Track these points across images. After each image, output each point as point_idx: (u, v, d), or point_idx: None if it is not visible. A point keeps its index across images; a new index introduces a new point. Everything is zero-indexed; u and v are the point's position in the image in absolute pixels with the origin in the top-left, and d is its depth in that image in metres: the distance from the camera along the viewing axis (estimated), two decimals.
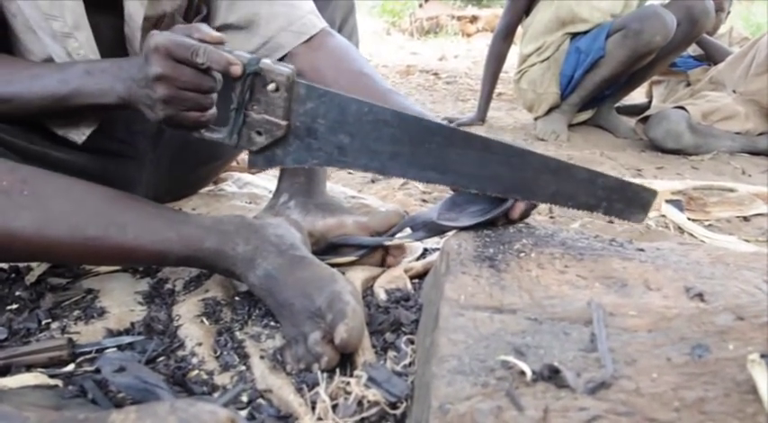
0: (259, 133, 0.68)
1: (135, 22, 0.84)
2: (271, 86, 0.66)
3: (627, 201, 0.69)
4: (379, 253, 0.81)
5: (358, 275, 0.77)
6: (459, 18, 10.39)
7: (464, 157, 0.68)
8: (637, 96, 2.36)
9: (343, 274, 0.79)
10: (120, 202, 0.70)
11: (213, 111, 0.67)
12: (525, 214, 0.72)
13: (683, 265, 0.61)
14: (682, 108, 1.69)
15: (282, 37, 0.88)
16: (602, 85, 1.79)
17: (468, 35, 9.83)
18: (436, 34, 10.48)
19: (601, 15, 1.78)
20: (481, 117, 2.09)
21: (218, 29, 0.92)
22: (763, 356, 0.45)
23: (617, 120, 1.95)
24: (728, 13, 2.26)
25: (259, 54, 0.90)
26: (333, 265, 0.81)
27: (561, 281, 0.56)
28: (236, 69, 0.63)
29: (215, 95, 0.66)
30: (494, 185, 0.68)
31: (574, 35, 1.83)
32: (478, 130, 2.02)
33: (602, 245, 0.68)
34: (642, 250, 0.69)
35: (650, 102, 2.23)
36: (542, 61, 1.88)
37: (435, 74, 4.41)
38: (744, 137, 1.68)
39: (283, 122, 0.67)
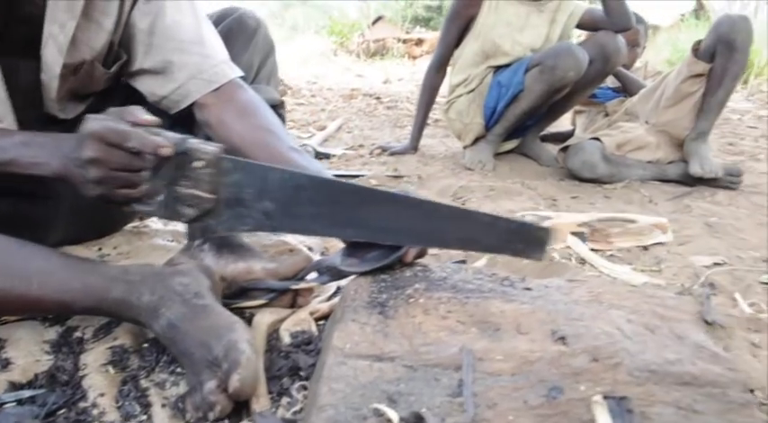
0: (189, 206, 0.72)
1: (52, 70, 0.85)
2: (198, 164, 0.70)
3: (526, 241, 0.74)
4: (288, 295, 0.84)
5: (265, 319, 0.79)
6: (404, 41, 10.61)
7: (376, 212, 0.73)
8: (564, 123, 2.49)
9: (252, 316, 0.82)
10: (26, 253, 0.71)
11: (144, 187, 0.71)
12: (419, 256, 0.77)
13: (559, 305, 0.67)
14: (597, 139, 1.79)
15: (192, 84, 0.91)
16: (523, 117, 1.88)
17: (414, 58, 10.06)
18: (382, 56, 10.65)
19: (522, 49, 1.88)
20: (414, 146, 2.16)
21: (136, 73, 0.94)
22: (605, 398, 0.50)
23: (540, 149, 2.05)
24: (644, 48, 2.42)
25: (170, 100, 0.94)
26: (243, 309, 0.84)
27: (441, 327, 0.60)
28: (166, 151, 0.68)
29: (146, 173, 0.70)
30: (408, 237, 0.74)
31: (497, 68, 1.92)
32: (411, 159, 2.08)
33: (492, 285, 0.73)
34: (529, 289, 0.75)
35: (574, 130, 2.35)
36: (468, 93, 1.97)
37: (378, 98, 4.49)
38: (654, 165, 1.80)
39: (211, 196, 0.71)
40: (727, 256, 1.15)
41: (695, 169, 1.67)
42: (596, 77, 1.87)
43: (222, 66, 0.93)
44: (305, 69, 8.85)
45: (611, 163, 1.74)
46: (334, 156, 2.18)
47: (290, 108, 4.04)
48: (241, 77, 0.95)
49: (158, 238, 1.21)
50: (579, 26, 1.93)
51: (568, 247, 1.17)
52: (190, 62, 0.91)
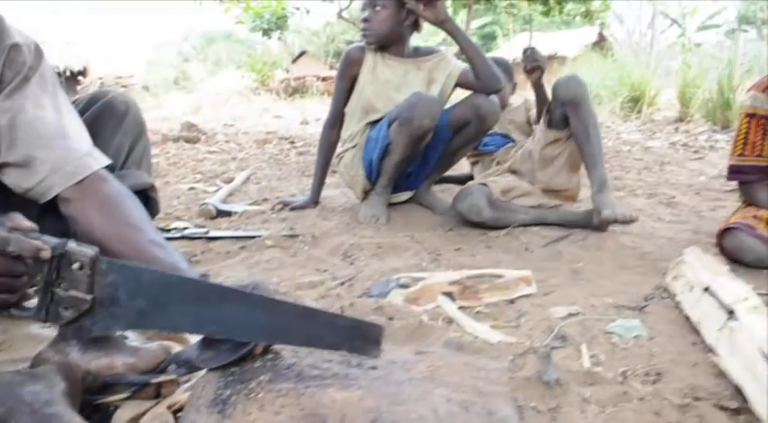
0: (66, 308, 0.74)
1: None
2: (75, 265, 0.72)
3: (362, 338, 0.81)
4: (152, 387, 0.86)
5: (125, 414, 0.81)
6: (324, 79, 10.81)
7: (231, 310, 0.77)
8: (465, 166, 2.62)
9: (116, 409, 0.84)
10: None
11: (23, 291, 0.72)
12: (268, 348, 0.81)
13: (392, 387, 0.73)
14: (485, 184, 1.93)
15: (55, 178, 0.93)
16: (400, 167, 1.99)
17: None
18: (303, 95, 10.78)
19: (393, 106, 2.00)
20: (314, 200, 2.22)
21: (1, 166, 0.95)
22: None
23: (434, 199, 2.17)
24: (515, 84, 2.57)
25: (35, 192, 0.95)
26: (106, 403, 0.85)
27: None
28: (45, 254, 0.70)
29: (25, 278, 0.72)
30: (258, 334, 0.78)
31: (373, 124, 2.04)
32: (311, 213, 2.14)
33: (338, 368, 0.79)
34: (375, 368, 0.81)
35: (472, 176, 2.49)
36: (352, 147, 2.08)
37: (292, 142, 4.56)
38: (536, 210, 1.94)
39: (88, 296, 0.73)
40: (583, 304, 1.27)
41: (607, 214, 1.73)
42: (475, 136, 2.02)
43: (85, 158, 0.96)
44: (224, 110, 8.82)
45: (496, 208, 1.87)
46: (235, 213, 2.20)
47: (202, 157, 4.03)
48: (110, 165, 0.99)
49: (36, 324, 1.19)
50: (458, 85, 2.07)
51: (438, 307, 1.25)
52: (53, 156, 0.93)
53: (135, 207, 0.97)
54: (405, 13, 2.02)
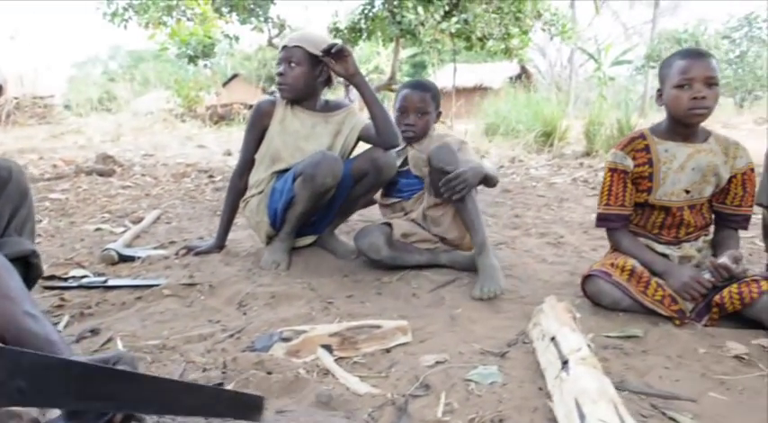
0: None
1: None
2: None
3: (246, 406, 0.89)
4: None
5: None
6: (250, 106, 10.80)
7: (117, 387, 0.82)
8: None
9: None
10: None
11: None
12: (130, 417, 0.87)
13: None
14: (389, 224, 2.05)
15: None
16: (303, 217, 2.07)
17: None
18: (229, 123, 10.71)
19: (301, 156, 2.09)
20: (219, 245, 2.27)
21: None
22: None
23: (336, 243, 2.26)
24: (440, 112, 2.65)
25: None
26: None
27: None
28: None
29: None
30: (148, 407, 0.83)
31: (280, 173, 2.12)
32: (215, 258, 2.18)
33: None
34: None
35: None
36: (258, 194, 2.15)
37: (210, 176, 4.55)
38: (430, 252, 2.08)
39: None
40: (452, 352, 1.38)
41: (474, 293, 1.81)
42: (373, 185, 2.13)
43: None
44: (145, 137, 8.62)
45: (394, 248, 2.00)
46: (138, 258, 2.21)
47: (115, 192, 3.96)
48: None
49: None
50: (360, 139, 2.19)
51: (317, 359, 1.33)
52: None
53: (11, 277, 1.01)
54: (319, 69, 2.12)
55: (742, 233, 1.84)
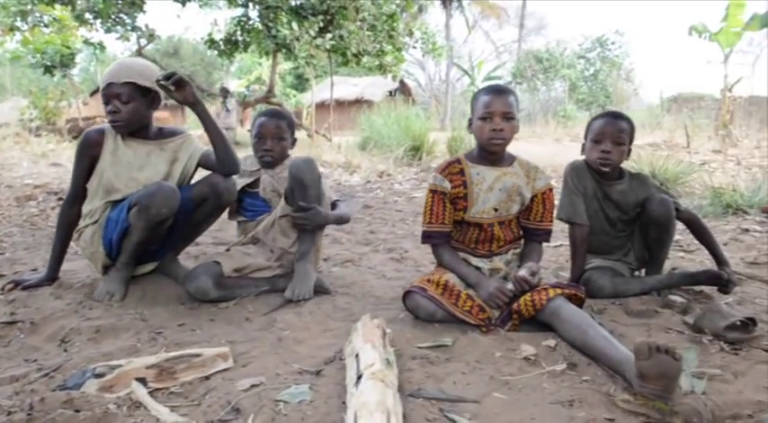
0: None
1: None
2: None
3: None
4: None
5: None
6: None
7: None
8: None
9: None
10: None
11: None
12: None
13: None
14: (218, 262, 2.06)
15: None
16: (140, 247, 2.05)
17: None
18: None
19: (136, 186, 2.07)
20: (50, 277, 2.17)
21: None
22: None
23: (179, 269, 2.25)
24: (296, 139, 2.74)
25: None
26: None
27: None
28: None
29: None
30: None
31: (114, 203, 2.09)
32: (45, 292, 2.08)
33: None
34: None
35: None
36: (92, 224, 2.10)
37: (60, 199, 4.28)
38: (267, 281, 2.14)
39: None
40: (270, 374, 1.45)
41: (286, 294, 2.00)
42: (214, 211, 2.16)
43: None
44: None
45: (224, 287, 2.02)
46: None
47: None
48: None
49: None
50: (200, 165, 2.21)
51: (131, 393, 1.34)
52: None
53: None
54: (150, 98, 2.11)
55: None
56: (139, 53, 12.31)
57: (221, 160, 2.09)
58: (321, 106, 17.41)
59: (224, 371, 1.48)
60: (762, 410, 1.28)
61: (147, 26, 10.78)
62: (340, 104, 18.40)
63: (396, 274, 2.47)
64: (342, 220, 2.32)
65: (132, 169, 2.10)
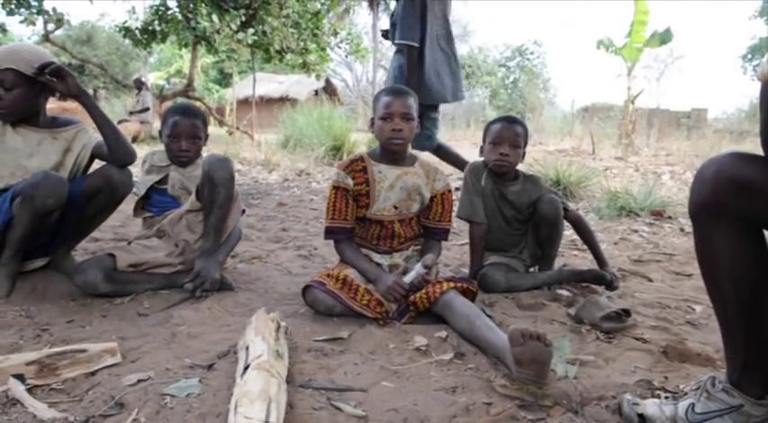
0: None
1: None
2: None
3: None
4: None
5: None
6: None
7: None
8: None
9: None
10: None
11: None
12: None
13: None
14: (112, 255, 1.99)
15: None
16: (26, 240, 1.96)
17: None
18: None
19: (23, 174, 1.98)
20: None
21: None
22: None
23: (72, 264, 2.16)
24: (207, 135, 2.68)
25: None
26: None
27: None
28: None
29: None
30: None
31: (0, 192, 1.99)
32: None
33: None
34: None
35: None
36: None
37: None
38: (165, 277, 2.09)
39: None
40: (160, 369, 1.43)
41: (187, 286, 1.98)
42: (108, 204, 2.10)
43: None
44: None
45: (115, 281, 1.95)
46: None
47: None
48: None
49: None
50: (94, 156, 2.13)
51: (7, 390, 1.29)
52: None
53: None
54: (38, 86, 2.02)
55: None
56: (47, 39, 11.60)
57: (114, 151, 2.04)
58: (244, 103, 17.09)
59: (111, 367, 1.45)
60: (625, 392, 1.41)
61: (54, 10, 10.17)
62: (264, 102, 18.13)
63: (302, 270, 2.49)
64: (232, 248, 2.31)
65: (20, 157, 2.01)
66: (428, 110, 4.17)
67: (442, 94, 4.20)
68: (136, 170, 2.33)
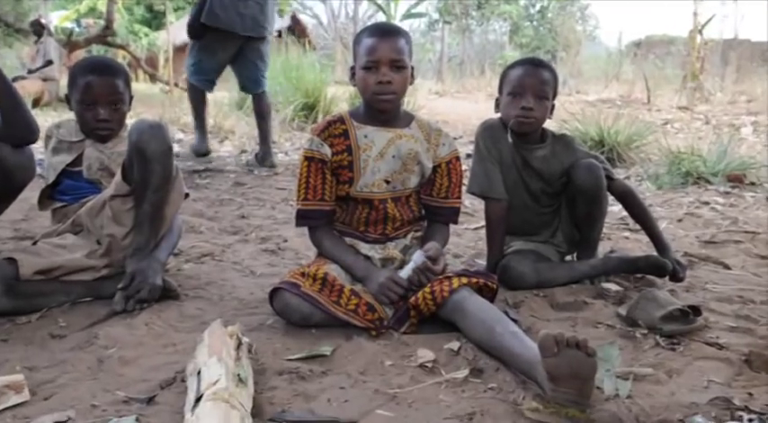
0: None
1: None
2: None
3: None
4: None
5: None
6: None
7: None
8: None
9: None
10: None
11: None
12: None
13: None
14: (13, 259, 1.99)
15: None
16: None
17: None
18: None
19: None
20: None
21: None
22: None
23: None
24: (132, 96, 2.70)
25: None
26: None
27: None
28: None
29: None
30: None
31: None
32: None
33: None
34: None
35: None
36: None
37: None
38: (86, 286, 2.08)
39: None
40: (84, 406, 1.42)
41: (116, 300, 1.98)
42: (2, 195, 2.10)
43: None
44: None
45: (18, 295, 1.94)
46: None
47: None
48: None
49: None
50: None
51: None
52: None
53: None
54: None
55: None
56: None
57: (10, 124, 2.02)
58: (184, 50, 16.92)
59: (16, 407, 1.45)
60: (695, 413, 1.43)
61: None
62: None
63: (268, 269, 2.51)
64: (175, 244, 2.34)
65: None
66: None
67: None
68: (39, 146, 2.32)
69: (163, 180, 2.08)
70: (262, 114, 5.22)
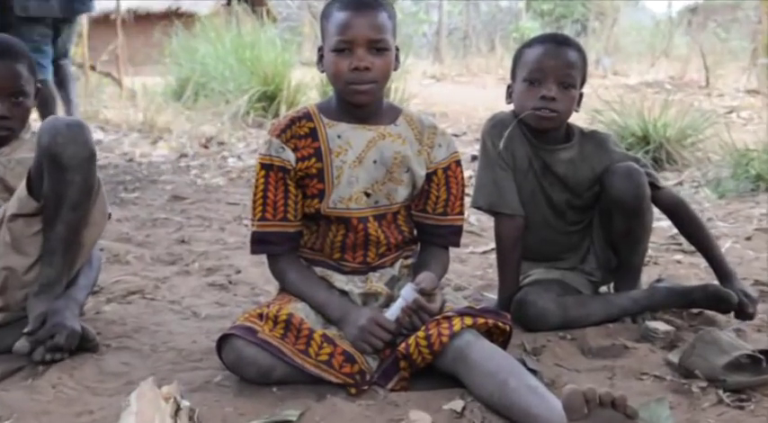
0: None
1: None
2: None
3: None
4: None
5: None
6: None
7: None
8: None
9: None
10: None
11: None
12: None
13: None
14: None
15: None
16: None
17: None
18: None
19: None
20: None
21: None
22: None
23: None
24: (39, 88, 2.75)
25: None
26: None
27: None
28: None
29: None
30: None
31: None
32: None
33: None
34: None
35: None
36: None
37: None
38: None
39: None
40: None
41: (17, 351, 1.97)
42: None
43: None
44: None
45: None
46: None
47: None
48: None
49: None
50: None
51: None
52: None
53: None
54: None
55: None
56: None
57: None
58: (104, 23, 16.90)
59: None
60: None
61: None
62: (139, 20, 17.99)
63: (216, 310, 2.51)
64: (95, 280, 2.37)
65: None
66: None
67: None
68: None
69: (83, 195, 2.07)
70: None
